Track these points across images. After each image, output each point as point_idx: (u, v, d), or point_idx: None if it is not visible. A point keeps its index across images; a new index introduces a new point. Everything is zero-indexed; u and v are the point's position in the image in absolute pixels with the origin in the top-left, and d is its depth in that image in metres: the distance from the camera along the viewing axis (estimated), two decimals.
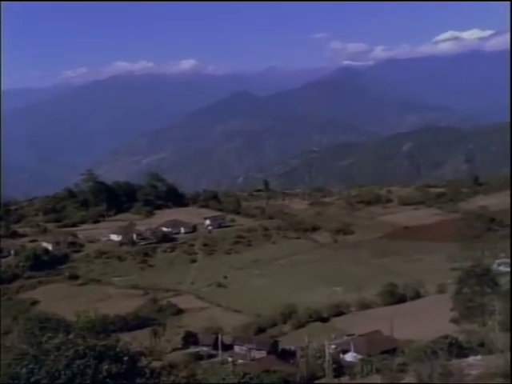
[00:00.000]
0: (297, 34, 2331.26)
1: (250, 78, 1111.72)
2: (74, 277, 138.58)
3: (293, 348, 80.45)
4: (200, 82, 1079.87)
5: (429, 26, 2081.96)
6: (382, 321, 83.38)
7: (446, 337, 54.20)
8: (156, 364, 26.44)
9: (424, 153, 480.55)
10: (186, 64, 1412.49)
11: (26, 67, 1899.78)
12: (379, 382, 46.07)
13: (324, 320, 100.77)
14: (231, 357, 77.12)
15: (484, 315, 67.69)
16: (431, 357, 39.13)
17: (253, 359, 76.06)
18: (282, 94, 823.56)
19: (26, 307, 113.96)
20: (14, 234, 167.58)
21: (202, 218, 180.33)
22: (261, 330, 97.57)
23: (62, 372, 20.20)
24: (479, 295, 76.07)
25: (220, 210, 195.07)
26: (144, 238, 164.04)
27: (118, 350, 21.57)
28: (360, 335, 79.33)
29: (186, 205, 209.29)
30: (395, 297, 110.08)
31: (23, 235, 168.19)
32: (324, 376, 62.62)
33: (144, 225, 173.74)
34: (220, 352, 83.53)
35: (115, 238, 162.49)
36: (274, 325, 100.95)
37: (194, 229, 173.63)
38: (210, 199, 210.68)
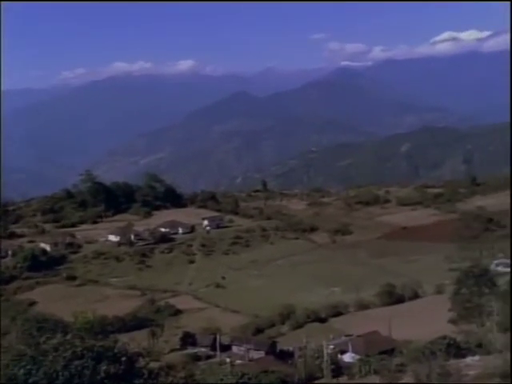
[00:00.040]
0: (295, 35, 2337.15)
1: (248, 79, 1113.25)
2: (72, 277, 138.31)
3: (291, 348, 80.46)
4: (198, 82, 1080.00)
5: (427, 26, 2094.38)
6: (380, 321, 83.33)
7: (444, 337, 54.26)
8: (154, 365, 26.43)
9: (422, 153, 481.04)
10: (184, 64, 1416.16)
11: (24, 67, 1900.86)
12: (377, 382, 46.04)
13: (322, 320, 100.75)
14: (229, 357, 76.94)
15: (482, 316, 67.69)
16: (429, 357, 39.18)
17: (251, 360, 76.04)
18: (280, 94, 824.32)
19: (24, 308, 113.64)
20: (12, 235, 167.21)
21: (200, 218, 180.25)
22: (259, 331, 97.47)
23: (60, 373, 20.21)
24: (477, 296, 76.09)
25: (218, 210, 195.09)
26: (142, 239, 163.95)
27: (116, 350, 21.59)
28: (358, 336, 79.34)
29: (184, 205, 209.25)
30: (393, 297, 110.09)
31: (21, 236, 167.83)
32: (322, 376, 62.58)
33: (142, 225, 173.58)
34: (218, 353, 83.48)
35: (113, 238, 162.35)
36: (272, 325, 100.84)
37: (192, 229, 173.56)
38: (208, 200, 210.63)
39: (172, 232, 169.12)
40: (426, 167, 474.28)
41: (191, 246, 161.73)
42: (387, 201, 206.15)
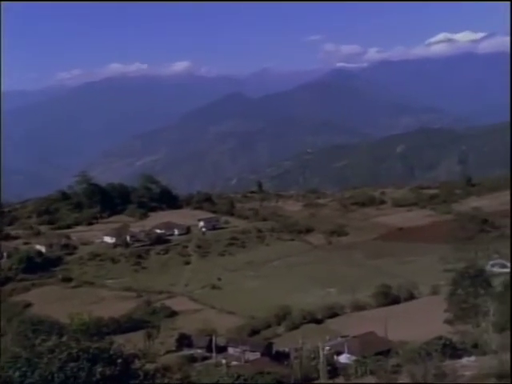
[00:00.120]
0: (290, 36, 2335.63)
1: (243, 80, 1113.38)
2: (68, 279, 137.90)
3: (287, 350, 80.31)
4: (193, 83, 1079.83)
5: (422, 28, 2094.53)
6: (376, 322, 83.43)
7: (440, 338, 54.36)
8: (150, 366, 26.32)
9: (417, 154, 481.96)
10: (180, 66, 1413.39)
11: (20, 68, 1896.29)
12: (373, 383, 46.04)
13: (318, 321, 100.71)
14: (225, 359, 76.83)
15: (478, 316, 67.76)
16: (425, 358, 39.21)
17: (247, 361, 76.03)
18: (275, 95, 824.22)
19: (19, 310, 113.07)
20: (7, 237, 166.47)
21: (195, 219, 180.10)
22: (255, 332, 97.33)
23: (56, 375, 20.13)
24: (473, 296, 76.15)
25: (214, 211, 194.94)
26: (138, 240, 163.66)
27: (111, 352, 21.51)
28: (354, 336, 79.38)
29: (179, 207, 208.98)
30: (389, 298, 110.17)
31: (16, 237, 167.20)
32: (318, 378, 62.55)
33: (138, 227, 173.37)
34: (214, 354, 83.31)
35: (109, 240, 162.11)
36: (268, 326, 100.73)
37: (188, 231, 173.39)
38: (204, 201, 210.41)
39: (168, 233, 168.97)
40: (421, 168, 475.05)
41: (187, 247, 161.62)
42: (383, 202, 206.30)
